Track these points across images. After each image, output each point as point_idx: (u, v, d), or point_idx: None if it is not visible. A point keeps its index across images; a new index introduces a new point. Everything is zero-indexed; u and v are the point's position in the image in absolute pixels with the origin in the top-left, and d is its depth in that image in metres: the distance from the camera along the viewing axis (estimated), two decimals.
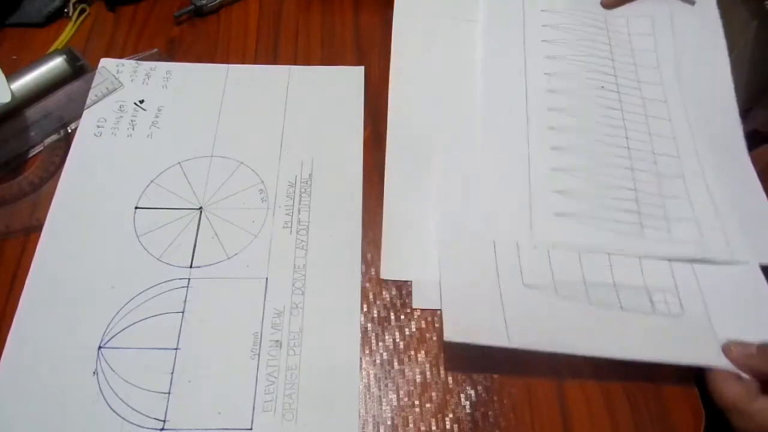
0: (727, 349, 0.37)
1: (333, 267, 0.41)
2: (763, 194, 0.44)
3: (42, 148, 0.46)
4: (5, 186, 0.44)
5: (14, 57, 0.50)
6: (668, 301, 0.40)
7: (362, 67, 0.51)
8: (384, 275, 0.41)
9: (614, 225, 0.43)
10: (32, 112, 0.47)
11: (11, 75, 0.46)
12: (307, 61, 0.51)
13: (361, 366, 0.38)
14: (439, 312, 0.39)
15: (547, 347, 0.37)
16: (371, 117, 0.48)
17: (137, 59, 0.51)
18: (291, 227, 0.42)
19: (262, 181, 0.44)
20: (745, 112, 0.49)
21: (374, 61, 0.51)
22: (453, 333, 0.37)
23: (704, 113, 0.48)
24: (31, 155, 0.46)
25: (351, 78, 0.50)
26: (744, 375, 0.36)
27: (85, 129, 0.47)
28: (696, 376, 0.38)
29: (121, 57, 0.51)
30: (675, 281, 0.41)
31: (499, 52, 0.51)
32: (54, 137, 0.46)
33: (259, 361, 0.37)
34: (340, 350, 0.38)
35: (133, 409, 0.36)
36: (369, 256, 0.42)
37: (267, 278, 0.40)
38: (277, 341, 0.38)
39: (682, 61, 0.51)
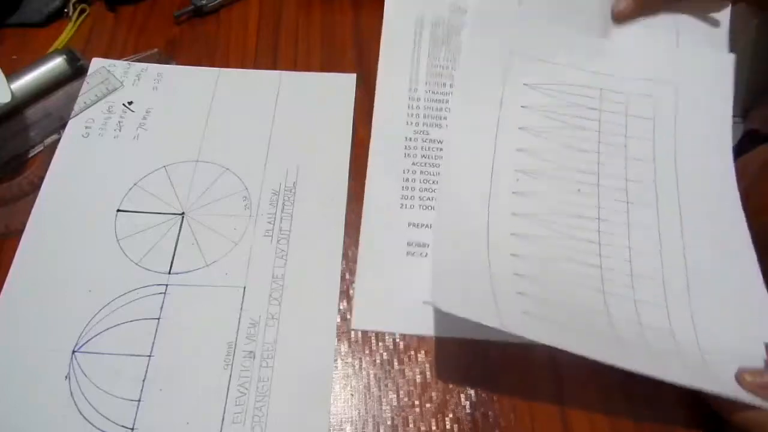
0: (741, 378, 0.36)
1: (311, 278, 0.40)
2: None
3: (42, 148, 0.46)
4: (5, 186, 0.44)
5: (14, 57, 0.50)
6: (655, 313, 0.38)
7: (354, 75, 0.49)
8: (354, 325, 0.39)
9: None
10: (32, 112, 0.48)
11: (11, 75, 0.47)
12: (307, 62, 0.51)
13: (362, 366, 0.38)
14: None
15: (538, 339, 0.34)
16: (364, 124, 0.47)
17: (137, 59, 0.51)
18: (272, 236, 0.42)
19: (246, 188, 0.44)
20: (745, 112, 0.46)
21: (375, 62, 0.50)
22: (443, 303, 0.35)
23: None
24: (31, 155, 0.46)
25: (342, 86, 0.49)
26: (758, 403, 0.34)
27: (73, 129, 0.47)
28: None
29: (120, 57, 0.51)
30: (665, 295, 0.39)
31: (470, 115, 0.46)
32: (54, 137, 0.47)
33: (231, 371, 0.37)
34: (314, 364, 0.37)
35: (102, 415, 0.36)
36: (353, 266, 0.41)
37: (245, 287, 0.40)
38: (250, 352, 0.38)
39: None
